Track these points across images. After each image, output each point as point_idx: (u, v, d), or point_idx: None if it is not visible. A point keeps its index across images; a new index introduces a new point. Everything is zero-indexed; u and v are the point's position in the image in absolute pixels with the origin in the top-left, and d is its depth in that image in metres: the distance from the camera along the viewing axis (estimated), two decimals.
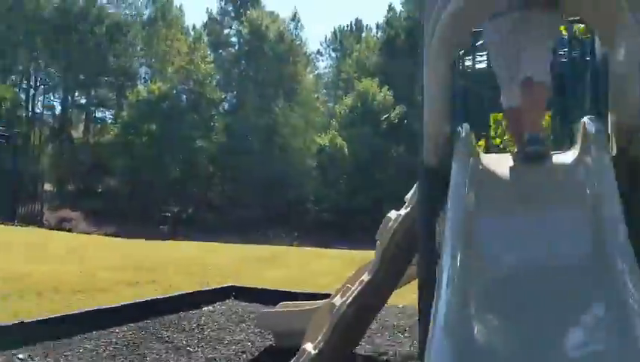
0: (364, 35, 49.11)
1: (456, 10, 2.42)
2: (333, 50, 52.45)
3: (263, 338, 5.86)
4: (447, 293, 1.73)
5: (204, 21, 45.98)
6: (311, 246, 23.32)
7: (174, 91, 38.20)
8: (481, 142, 7.47)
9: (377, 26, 47.71)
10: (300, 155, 39.00)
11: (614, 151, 2.36)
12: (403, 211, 3.39)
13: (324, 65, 54.67)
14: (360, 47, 45.44)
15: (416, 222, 2.96)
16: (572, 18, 3.30)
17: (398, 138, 34.69)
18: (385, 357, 5.33)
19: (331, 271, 11.15)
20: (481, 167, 2.58)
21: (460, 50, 4.32)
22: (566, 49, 3.84)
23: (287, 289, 8.68)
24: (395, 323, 6.82)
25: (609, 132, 2.43)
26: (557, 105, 3.98)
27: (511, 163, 2.61)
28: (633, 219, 2.45)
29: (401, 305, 7.36)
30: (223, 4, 46.04)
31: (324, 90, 51.67)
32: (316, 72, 51.46)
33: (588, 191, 2.11)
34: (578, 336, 1.60)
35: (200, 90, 38.25)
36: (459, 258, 1.93)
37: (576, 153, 2.46)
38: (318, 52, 53.00)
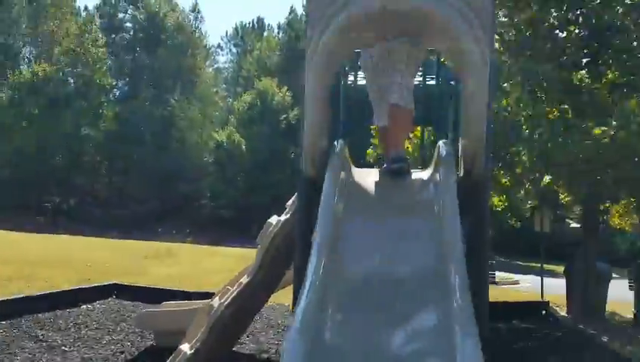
0: (265, 33, 49.18)
1: (344, 24, 2.63)
2: (235, 45, 52.05)
3: (143, 338, 5.80)
4: (307, 296, 1.94)
5: (97, 3, 43.70)
6: (205, 242, 23.09)
7: (61, 74, 35.91)
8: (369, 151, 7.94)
9: (279, 27, 48.08)
10: (197, 150, 38.30)
11: (462, 173, 2.72)
12: (283, 217, 3.59)
13: (224, 59, 54.10)
14: (261, 46, 45.44)
15: (294, 229, 3.15)
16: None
17: (296, 139, 34.97)
18: (266, 356, 5.50)
19: (223, 268, 11.18)
20: (351, 179, 2.84)
21: (345, 67, 4.62)
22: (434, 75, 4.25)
23: (173, 288, 8.62)
24: (280, 321, 7.02)
25: (460, 155, 2.78)
26: (429, 126, 4.38)
27: (377, 177, 2.90)
28: (475, 234, 2.83)
29: (287, 304, 7.60)
30: None
31: (224, 85, 51.10)
32: (216, 66, 50.82)
33: (435, 208, 2.43)
34: (413, 339, 1.85)
35: (89, 74, 36.20)
36: (323, 263, 2.15)
37: (430, 172, 2.80)
38: (219, 46, 52.41)
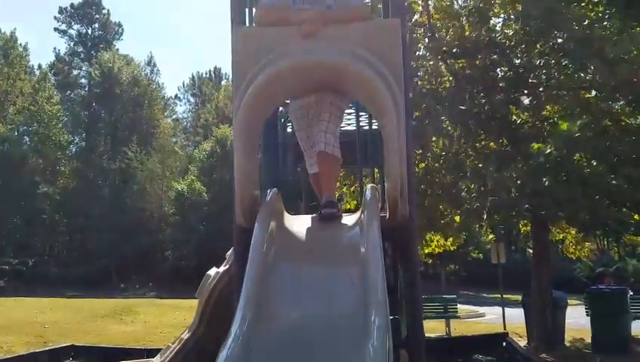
0: (223, 82, 49.65)
1: (265, 82, 2.76)
2: (192, 95, 52.31)
3: None
4: (229, 348, 1.96)
5: (51, 61, 43.58)
6: (168, 296, 22.57)
7: (15, 133, 35.34)
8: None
9: None
10: (157, 201, 37.78)
11: (388, 215, 2.81)
12: (222, 268, 3.60)
13: (182, 109, 54.23)
14: (219, 95, 45.82)
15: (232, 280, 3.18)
16: None
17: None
18: None
19: (186, 323, 10.93)
20: (282, 227, 2.91)
21: (286, 116, 4.75)
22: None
23: (132, 346, 8.43)
24: None
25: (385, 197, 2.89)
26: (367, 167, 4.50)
27: (309, 224, 2.97)
28: (406, 274, 2.91)
29: None
30: (72, 44, 44.04)
31: (184, 135, 51.00)
32: (174, 116, 50.80)
33: (361, 252, 2.50)
34: None
35: (45, 132, 35.71)
36: (249, 314, 2.18)
37: (358, 216, 2.89)
38: (177, 97, 52.57)
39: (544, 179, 6.77)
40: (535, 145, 6.90)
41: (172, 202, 36.61)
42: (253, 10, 3.49)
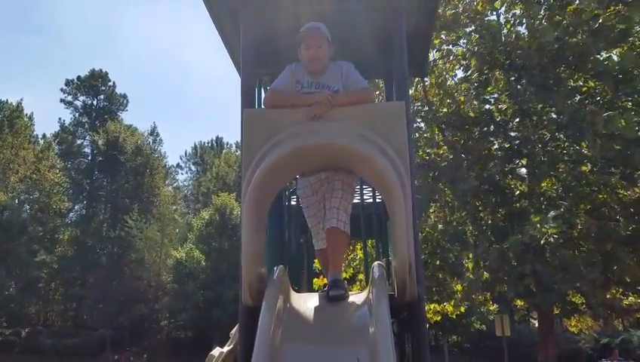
0: (224, 151, 50.39)
1: (273, 162, 2.83)
2: (194, 164, 52.94)
3: None
4: None
5: (56, 130, 44.41)
6: None
7: (16, 201, 35.46)
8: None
9: (236, 145, 49.50)
10: (155, 269, 37.40)
11: (396, 293, 2.80)
12: (226, 347, 3.53)
13: (183, 178, 54.77)
14: (220, 163, 46.38)
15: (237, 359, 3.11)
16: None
17: None
18: None
19: None
20: (289, 306, 2.89)
21: (288, 190, 4.81)
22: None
23: None
24: None
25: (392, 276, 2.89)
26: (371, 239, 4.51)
27: (316, 302, 2.95)
28: (416, 350, 2.88)
29: None
30: (77, 115, 45.00)
31: (184, 203, 51.21)
32: (175, 184, 51.21)
33: (370, 331, 2.48)
34: None
35: (45, 200, 35.89)
36: None
37: (366, 295, 2.88)
38: (178, 165, 53.19)
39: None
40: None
41: (170, 270, 36.26)
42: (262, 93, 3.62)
